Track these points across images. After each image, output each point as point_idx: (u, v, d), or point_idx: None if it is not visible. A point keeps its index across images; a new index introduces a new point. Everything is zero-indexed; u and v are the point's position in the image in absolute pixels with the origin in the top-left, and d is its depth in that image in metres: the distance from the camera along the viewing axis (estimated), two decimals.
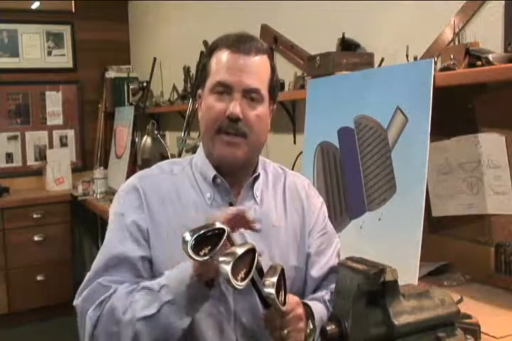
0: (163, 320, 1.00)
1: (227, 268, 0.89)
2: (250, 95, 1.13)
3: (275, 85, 1.20)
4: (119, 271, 1.10)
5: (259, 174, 1.22)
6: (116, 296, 1.06)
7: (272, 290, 0.96)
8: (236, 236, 1.00)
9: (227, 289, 1.11)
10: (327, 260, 1.25)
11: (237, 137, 1.12)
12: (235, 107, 1.11)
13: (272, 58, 1.20)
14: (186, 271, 0.99)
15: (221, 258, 0.91)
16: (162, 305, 1.00)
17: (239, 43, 1.14)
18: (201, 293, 1.00)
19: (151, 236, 1.14)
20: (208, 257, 0.91)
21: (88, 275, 1.13)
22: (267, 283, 0.97)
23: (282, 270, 1.02)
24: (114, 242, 1.14)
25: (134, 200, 1.16)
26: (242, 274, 0.91)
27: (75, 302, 1.12)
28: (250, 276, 0.93)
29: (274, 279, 0.98)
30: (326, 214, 1.32)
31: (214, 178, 1.18)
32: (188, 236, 0.92)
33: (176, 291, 1.00)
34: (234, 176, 1.19)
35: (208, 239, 0.93)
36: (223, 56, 1.14)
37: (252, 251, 0.95)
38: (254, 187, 1.21)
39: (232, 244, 0.97)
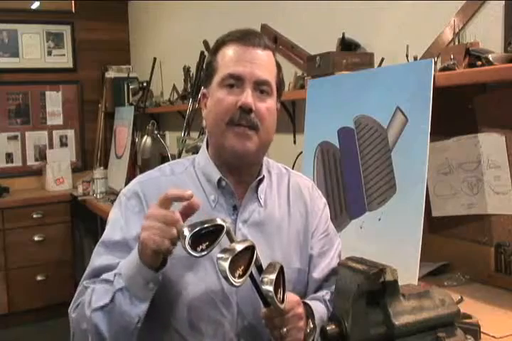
0: (117, 307, 0.99)
1: (225, 265, 0.88)
2: (261, 87, 1.11)
3: (281, 82, 1.20)
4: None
5: (263, 177, 1.20)
6: (87, 292, 1.05)
7: (271, 288, 0.95)
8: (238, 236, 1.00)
9: (231, 294, 1.10)
10: (329, 261, 1.24)
11: (249, 129, 1.10)
12: (248, 97, 1.09)
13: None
14: (134, 253, 0.99)
15: (219, 255, 0.90)
16: (115, 292, 0.99)
17: (247, 36, 1.13)
18: (151, 274, 0.98)
19: None
20: (205, 253, 0.91)
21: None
22: (265, 280, 0.96)
23: (281, 267, 1.01)
24: (101, 255, 1.12)
25: (135, 206, 1.14)
26: (240, 271, 0.91)
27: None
28: (248, 273, 0.92)
29: (273, 276, 0.97)
30: (329, 216, 1.31)
31: (219, 181, 1.16)
32: (186, 231, 0.91)
33: (127, 277, 0.99)
34: (239, 176, 1.17)
35: (207, 235, 0.92)
36: (232, 49, 1.13)
37: (251, 248, 0.94)
38: (259, 190, 1.19)
39: (232, 241, 0.96)
